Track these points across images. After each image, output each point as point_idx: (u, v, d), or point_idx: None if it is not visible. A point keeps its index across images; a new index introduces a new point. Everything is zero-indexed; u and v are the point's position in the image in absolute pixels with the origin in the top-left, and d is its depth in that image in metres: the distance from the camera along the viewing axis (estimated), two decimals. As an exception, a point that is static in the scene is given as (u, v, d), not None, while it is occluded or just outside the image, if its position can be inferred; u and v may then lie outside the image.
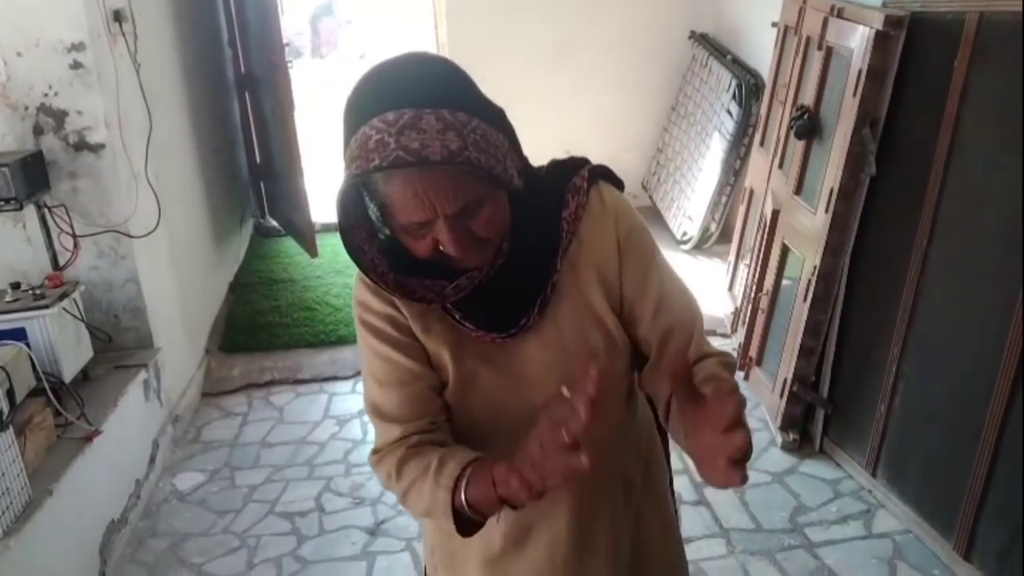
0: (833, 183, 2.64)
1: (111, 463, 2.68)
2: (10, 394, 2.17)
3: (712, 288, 4.09)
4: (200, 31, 4.49)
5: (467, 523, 0.97)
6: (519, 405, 1.04)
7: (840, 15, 2.71)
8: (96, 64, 2.82)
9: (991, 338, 2.12)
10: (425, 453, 1.03)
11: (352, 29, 16.66)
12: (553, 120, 5.12)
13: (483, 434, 1.07)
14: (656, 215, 4.99)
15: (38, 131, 2.84)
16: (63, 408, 2.57)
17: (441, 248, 0.95)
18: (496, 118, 0.97)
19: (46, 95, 2.81)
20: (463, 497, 0.95)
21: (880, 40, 2.44)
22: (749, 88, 4.02)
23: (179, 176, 3.80)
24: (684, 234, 4.58)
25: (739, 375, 3.43)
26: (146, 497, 2.91)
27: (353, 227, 1.00)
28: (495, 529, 1.12)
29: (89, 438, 2.56)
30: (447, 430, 1.09)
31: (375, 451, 1.10)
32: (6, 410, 2.13)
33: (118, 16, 3.01)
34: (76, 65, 2.79)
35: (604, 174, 1.11)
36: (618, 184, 1.12)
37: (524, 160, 1.04)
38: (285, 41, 4.37)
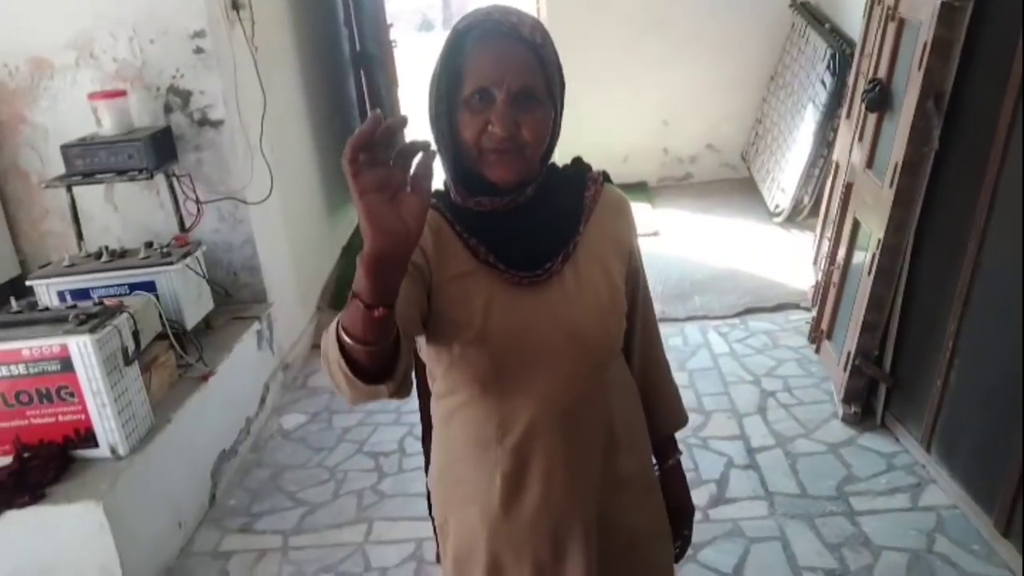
0: (898, 157, 2.64)
1: (224, 401, 3.08)
2: (136, 336, 2.56)
3: (798, 261, 4.10)
4: (317, 13, 4.84)
5: (360, 366, 0.92)
6: (534, 343, 1.15)
7: (915, -14, 2.68)
8: (215, 49, 3.19)
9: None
10: None
11: (480, 1, 16.95)
12: (652, 89, 5.19)
13: (501, 368, 1.15)
14: (752, 188, 4.98)
15: (168, 109, 3.25)
16: (184, 351, 2.97)
17: (490, 128, 1.06)
18: (562, 74, 1.15)
19: (174, 77, 3.21)
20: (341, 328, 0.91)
21: (946, 12, 2.42)
22: (844, 58, 3.95)
23: (293, 148, 4.16)
24: (777, 206, 4.57)
25: (807, 346, 3.46)
26: (255, 432, 3.31)
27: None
28: (495, 474, 1.20)
29: (205, 377, 2.95)
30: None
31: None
32: (132, 348, 2.52)
33: (236, 4, 3.36)
34: (198, 50, 3.17)
35: (609, 178, 1.29)
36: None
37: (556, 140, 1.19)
38: (417, 14, 4.66)
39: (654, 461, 1.39)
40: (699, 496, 2.64)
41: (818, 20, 4.46)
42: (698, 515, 2.56)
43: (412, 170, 0.83)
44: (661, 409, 1.39)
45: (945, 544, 2.36)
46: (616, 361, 1.27)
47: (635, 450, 1.30)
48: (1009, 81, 2.26)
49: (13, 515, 2.32)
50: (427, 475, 1.36)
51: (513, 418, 1.17)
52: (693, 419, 3.06)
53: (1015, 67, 2.23)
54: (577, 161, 1.27)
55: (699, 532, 2.47)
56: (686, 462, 2.80)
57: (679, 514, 1.42)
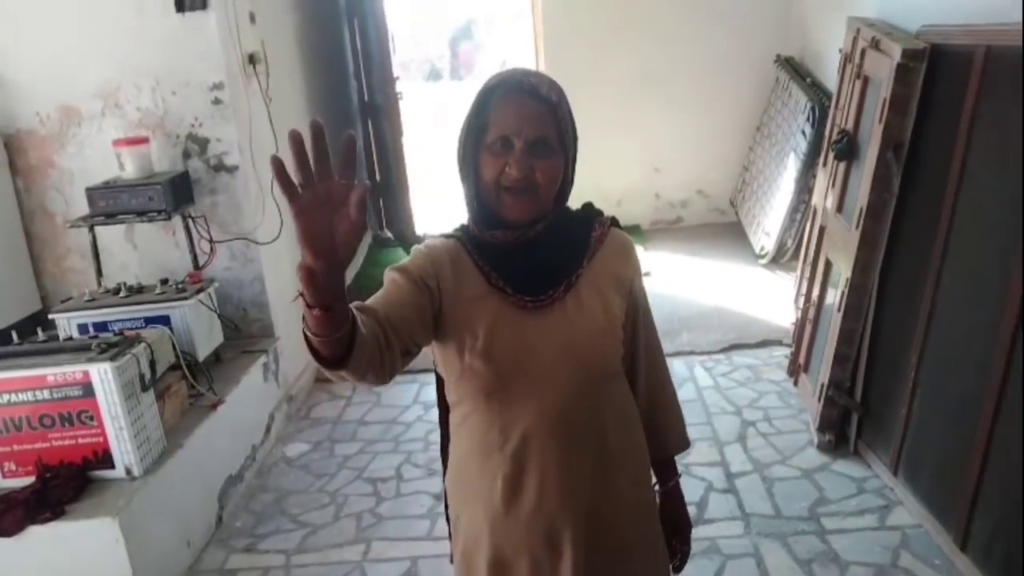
0: (863, 202, 2.85)
1: (232, 428, 3.25)
2: (152, 364, 2.75)
3: (781, 300, 4.29)
4: (329, 65, 5.13)
5: (318, 352, 1.06)
6: (533, 360, 1.30)
7: (876, 46, 2.91)
8: (232, 100, 3.44)
9: (987, 346, 2.30)
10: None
11: (486, 53, 17.40)
12: (645, 137, 5.45)
13: (504, 380, 1.30)
14: (740, 231, 5.19)
15: (186, 155, 3.49)
16: (195, 381, 3.15)
17: (507, 170, 1.25)
18: (575, 130, 1.35)
19: (192, 125, 3.45)
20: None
21: (901, 71, 2.65)
22: (823, 110, 4.19)
23: (302, 192, 4.39)
24: (762, 249, 4.78)
25: (787, 380, 3.63)
26: (260, 459, 3.47)
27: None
28: (496, 476, 1.34)
29: (214, 406, 3.13)
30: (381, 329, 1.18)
31: None
32: (149, 376, 2.71)
33: (252, 59, 3.62)
34: (216, 101, 3.42)
35: (618, 223, 1.45)
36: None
37: (572, 185, 1.38)
38: (426, 63, 4.93)
39: (654, 481, 1.52)
40: (680, 518, 2.79)
41: (800, 75, 4.72)
42: (678, 536, 2.71)
43: (352, 201, 0.91)
44: (663, 431, 1.51)
45: (908, 559, 2.50)
46: (615, 384, 1.40)
47: (628, 467, 1.41)
48: (958, 133, 2.47)
49: (35, 531, 2.48)
50: (444, 479, 1.51)
51: (513, 426, 1.32)
52: (677, 448, 3.22)
53: (963, 121, 2.45)
54: (588, 206, 1.44)
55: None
56: (668, 487, 2.97)
57: (677, 529, 1.56)
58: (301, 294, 1.00)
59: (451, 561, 1.50)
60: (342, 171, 0.94)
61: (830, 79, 4.42)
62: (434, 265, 1.34)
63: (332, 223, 0.93)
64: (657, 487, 1.54)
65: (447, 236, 1.39)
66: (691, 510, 2.81)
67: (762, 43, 5.27)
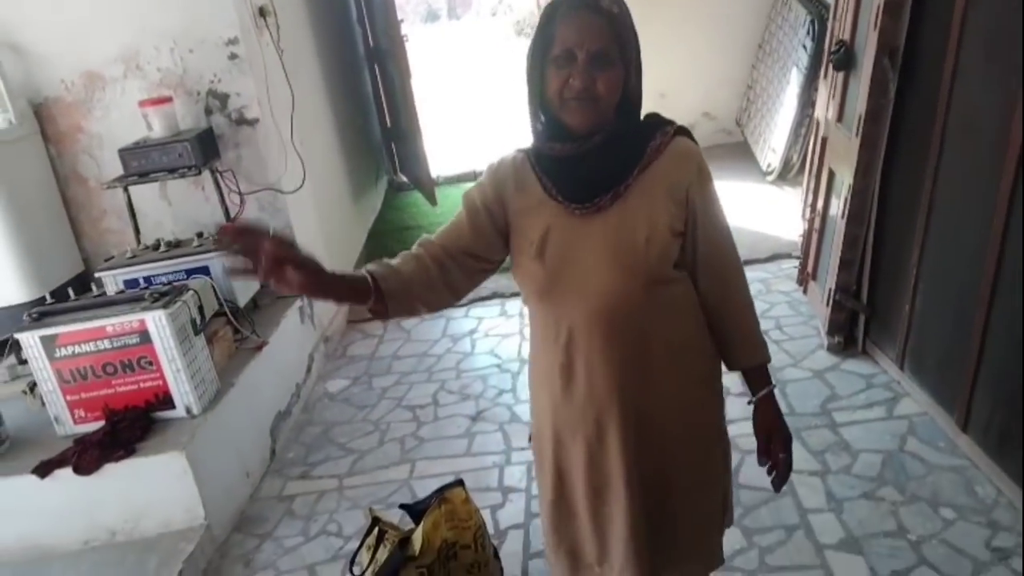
0: (861, 109, 2.96)
1: (276, 369, 3.46)
2: (201, 309, 2.95)
3: (789, 215, 4.42)
4: (333, 14, 5.21)
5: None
6: (579, 262, 1.42)
7: (869, -44, 2.99)
8: (248, 54, 3.56)
9: (982, 237, 2.44)
10: (415, 256, 1.48)
11: (483, -13, 17.16)
12: (649, 64, 5.45)
13: (553, 280, 1.44)
14: (746, 150, 5.29)
15: (208, 111, 3.62)
16: (239, 325, 3.36)
17: (571, 82, 1.33)
18: (638, 42, 1.41)
19: (212, 82, 3.58)
20: None
21: (894, -23, 2.73)
22: (822, 23, 4.25)
23: (320, 141, 4.53)
24: (769, 166, 4.88)
25: (797, 290, 3.79)
26: (304, 396, 3.70)
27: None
28: (554, 364, 1.49)
29: (259, 348, 3.34)
30: (443, 266, 1.47)
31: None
32: (199, 320, 2.91)
33: (263, 12, 3.73)
34: (233, 56, 3.54)
35: (688, 133, 1.48)
36: (694, 141, 1.51)
37: (640, 94, 1.43)
38: (422, 4, 5.02)
39: (746, 392, 1.63)
40: (701, 422, 3.00)
41: (798, -12, 4.76)
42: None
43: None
44: (736, 343, 1.55)
45: (915, 444, 2.70)
46: (665, 288, 1.45)
47: (676, 366, 1.48)
48: (949, 35, 2.57)
49: (111, 468, 2.70)
50: None
51: (563, 322, 1.46)
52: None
53: (954, 22, 2.55)
54: (652, 115, 1.47)
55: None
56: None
57: (773, 439, 1.61)
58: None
59: (529, 440, 1.71)
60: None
61: (829, -9, 4.48)
62: (496, 185, 1.49)
63: (283, 271, 1.23)
64: (751, 399, 1.62)
65: (518, 150, 1.52)
66: (711, 413, 3.03)
67: (761, -41, 5.29)
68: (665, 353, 1.47)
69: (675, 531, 1.57)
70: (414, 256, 1.48)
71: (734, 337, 1.55)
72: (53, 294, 3.23)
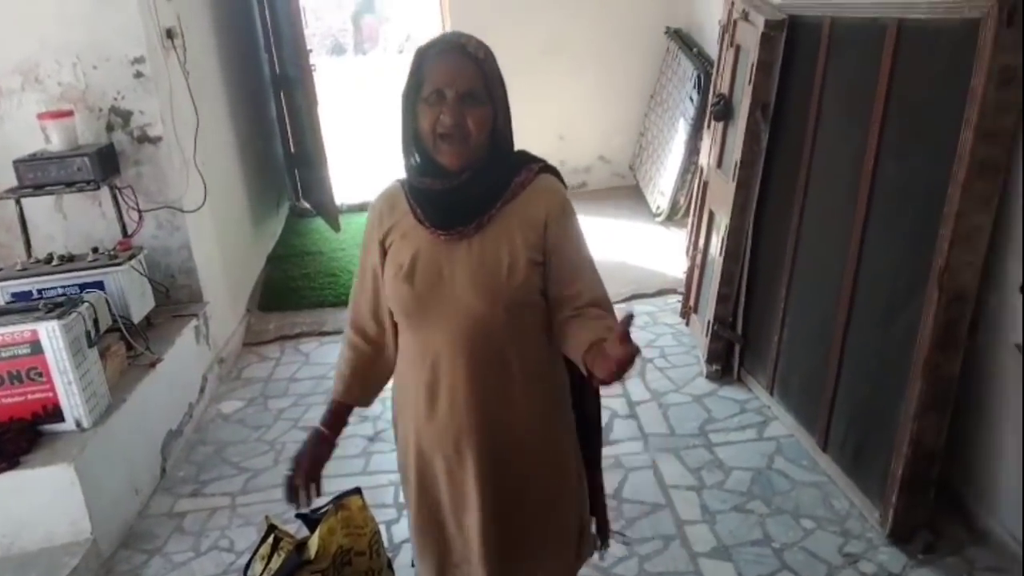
0: (737, 156, 3.26)
1: (169, 387, 3.43)
2: (96, 322, 2.92)
3: (675, 254, 4.72)
4: (240, 39, 5.24)
5: None
6: (444, 290, 1.50)
7: (746, 18, 3.31)
8: (153, 73, 3.57)
9: (839, 272, 2.73)
10: (354, 348, 1.70)
11: (391, 26, 17.34)
12: (550, 108, 5.78)
13: (421, 302, 1.52)
14: (638, 193, 5.61)
15: (110, 128, 3.60)
16: (133, 341, 3.32)
17: (441, 118, 1.43)
18: (503, 84, 1.52)
19: (115, 99, 3.57)
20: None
21: (765, 39, 3.05)
22: (707, 77, 4.60)
23: (222, 163, 4.54)
24: (658, 207, 5.20)
25: (680, 322, 4.05)
26: (197, 416, 3.66)
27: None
28: (421, 384, 1.57)
29: (152, 364, 3.30)
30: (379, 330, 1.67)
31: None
32: (93, 332, 2.87)
33: (170, 33, 3.75)
34: (138, 75, 3.54)
35: (554, 171, 1.59)
36: (562, 181, 1.61)
37: (511, 133, 1.54)
38: (328, 38, 5.11)
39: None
40: (589, 442, 3.18)
41: (687, 45, 5.14)
42: (587, 456, 3.09)
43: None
44: (585, 329, 1.45)
45: (782, 463, 2.95)
46: (522, 312, 1.52)
47: (532, 389, 1.58)
48: (813, 91, 2.89)
49: (-9, 481, 2.64)
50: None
51: (431, 341, 1.54)
52: (585, 384, 3.59)
53: (816, 80, 2.87)
54: (521, 153, 1.58)
55: (588, 468, 2.99)
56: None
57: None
58: None
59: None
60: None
61: (712, 48, 4.85)
62: (377, 223, 1.60)
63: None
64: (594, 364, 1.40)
65: (396, 180, 1.63)
66: (598, 433, 3.20)
67: (654, 15, 5.67)
68: (522, 375, 1.56)
69: (526, 542, 1.66)
70: (353, 348, 1.70)
71: (591, 325, 1.46)
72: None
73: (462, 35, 1.50)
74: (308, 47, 5.10)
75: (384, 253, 1.61)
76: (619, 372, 1.27)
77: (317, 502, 1.86)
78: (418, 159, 1.54)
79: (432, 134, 1.47)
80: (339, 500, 2.19)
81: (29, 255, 3.48)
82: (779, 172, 3.17)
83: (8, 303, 2.96)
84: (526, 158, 1.59)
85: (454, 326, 1.51)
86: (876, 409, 2.55)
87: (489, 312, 1.50)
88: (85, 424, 2.81)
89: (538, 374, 1.60)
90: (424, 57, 1.49)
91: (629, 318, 1.27)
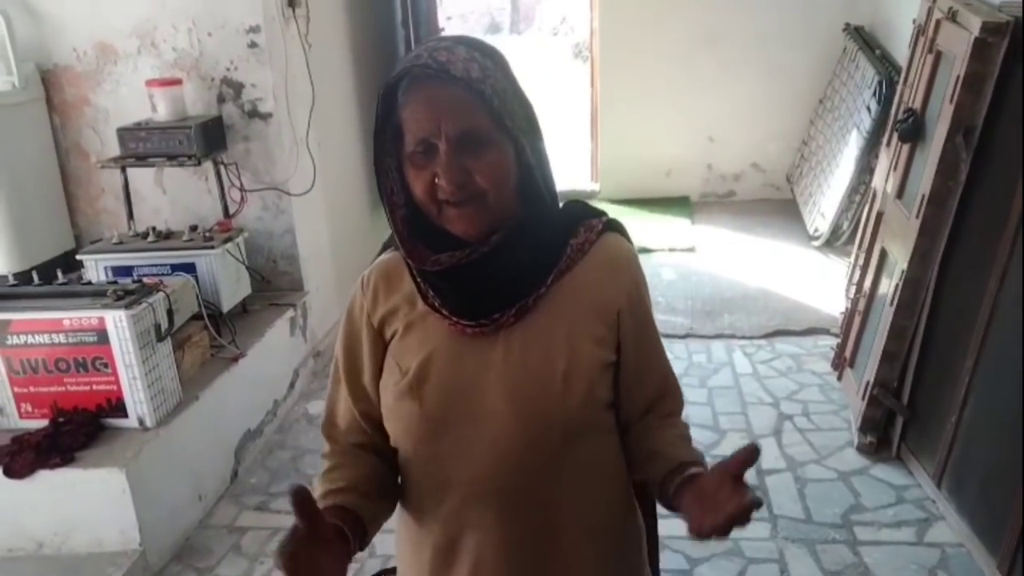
0: (925, 189, 2.63)
1: (253, 382, 3.20)
2: (170, 314, 2.69)
3: (832, 287, 4.07)
4: (372, 14, 4.97)
5: None
6: (469, 410, 1.05)
7: (953, 18, 2.66)
8: (269, 44, 3.33)
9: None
10: (337, 469, 1.15)
11: (546, 6, 17.02)
12: (700, 105, 5.22)
13: (434, 428, 1.07)
14: (794, 210, 4.96)
15: (220, 99, 3.40)
16: (218, 332, 3.10)
17: (437, 182, 0.99)
18: (523, 99, 1.05)
19: (228, 69, 3.36)
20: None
21: (979, 46, 2.41)
22: (891, 85, 3.92)
23: (340, 144, 4.28)
24: (816, 230, 4.55)
25: (831, 373, 3.44)
26: (281, 416, 3.43)
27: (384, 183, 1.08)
28: (427, 543, 1.12)
29: (235, 359, 3.08)
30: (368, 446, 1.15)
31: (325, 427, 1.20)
32: (165, 325, 2.65)
33: (292, 2, 3.49)
34: (252, 45, 3.31)
35: (620, 227, 1.15)
36: (629, 240, 1.16)
37: (549, 173, 1.09)
38: (486, 15, 4.78)
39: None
40: (703, 512, 2.67)
41: (869, 46, 4.44)
42: (699, 531, 2.59)
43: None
44: (663, 457, 1.11)
45: (945, 581, 2.35)
46: (584, 443, 1.09)
47: (591, 553, 1.13)
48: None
49: (44, 475, 2.47)
50: None
51: (447, 487, 1.08)
52: (706, 437, 3.08)
53: (1048, 106, 2.22)
54: (574, 205, 1.14)
55: (698, 550, 2.50)
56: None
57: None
58: None
59: None
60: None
61: (901, 52, 4.13)
62: (371, 303, 1.13)
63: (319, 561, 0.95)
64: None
65: (390, 250, 1.15)
66: (715, 505, 2.69)
67: (832, 9, 4.97)
68: (579, 534, 1.11)
69: None
70: (338, 464, 1.16)
71: (669, 452, 1.10)
72: (39, 270, 3.03)
73: (440, 47, 1.01)
74: (441, 26, 4.77)
75: (382, 347, 1.12)
76: (727, 529, 0.89)
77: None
78: (416, 230, 1.07)
79: (431, 201, 1.02)
80: (384, 576, 1.84)
81: (131, 227, 3.34)
82: (979, 216, 2.52)
83: (84, 283, 2.78)
84: (581, 210, 1.13)
85: (484, 467, 1.05)
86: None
87: (535, 444, 1.04)
88: (148, 423, 2.60)
89: (602, 531, 1.15)
90: (394, 93, 1.02)
91: (753, 454, 0.93)
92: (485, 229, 1.03)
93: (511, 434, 1.04)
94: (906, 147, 2.92)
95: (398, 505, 1.19)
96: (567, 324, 1.06)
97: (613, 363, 1.10)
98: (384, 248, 1.18)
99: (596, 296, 1.09)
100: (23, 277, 2.99)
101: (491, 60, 1.02)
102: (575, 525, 1.11)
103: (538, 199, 1.07)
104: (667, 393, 1.17)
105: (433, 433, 1.07)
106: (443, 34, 1.02)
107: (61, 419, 2.58)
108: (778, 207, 5.32)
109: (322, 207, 3.88)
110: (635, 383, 1.13)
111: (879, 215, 3.10)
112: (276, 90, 3.39)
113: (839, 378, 3.33)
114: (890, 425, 2.93)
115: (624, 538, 1.19)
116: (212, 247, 3.11)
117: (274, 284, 3.65)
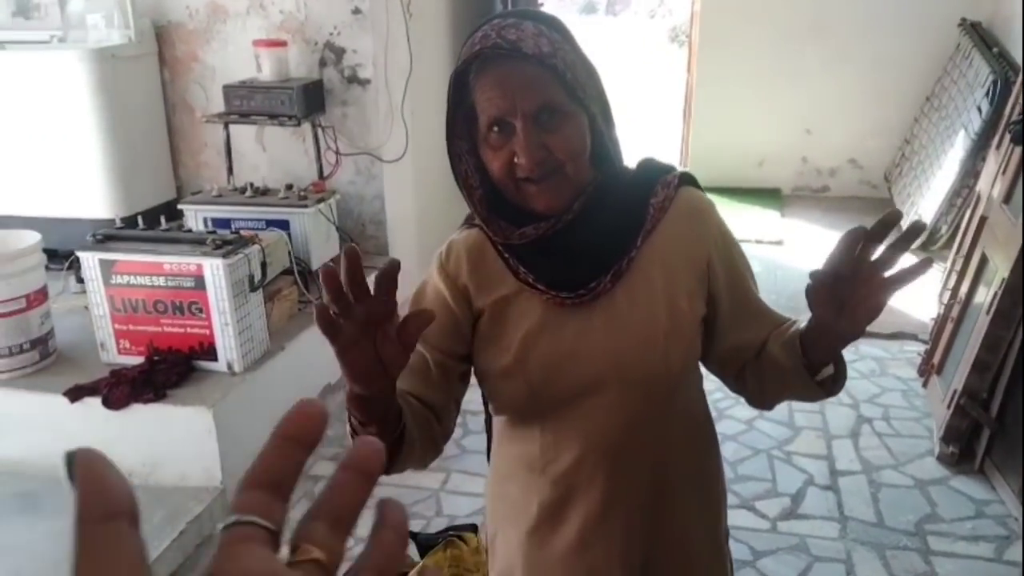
0: (1038, 195, 2.52)
1: (335, 339, 3.29)
2: (263, 266, 2.79)
3: (924, 291, 3.93)
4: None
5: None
6: (577, 375, 1.07)
7: (1087, 17, 2.52)
8: (372, 12, 3.39)
9: None
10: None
11: (645, -12, 16.78)
12: (798, 97, 5.08)
13: (540, 399, 1.09)
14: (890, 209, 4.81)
15: (322, 63, 3.48)
16: (306, 288, 3.20)
17: (517, 160, 1.00)
18: (590, 68, 1.06)
19: (331, 34, 3.44)
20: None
21: (1113, 49, 2.28)
22: (1006, 85, 3.74)
23: (433, 115, 4.32)
24: (911, 232, 4.39)
25: (916, 380, 3.33)
26: (359, 374, 3.51)
27: (460, 163, 1.08)
28: (533, 501, 1.14)
29: (320, 315, 3.17)
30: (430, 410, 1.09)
31: None
32: (259, 276, 2.75)
33: (397, -29, 3.55)
34: (356, 11, 3.38)
35: (692, 180, 1.15)
36: (699, 188, 1.17)
37: (616, 137, 1.09)
38: None
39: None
40: (770, 508, 2.64)
41: (986, 43, 4.23)
42: (766, 525, 2.56)
43: (401, 321, 0.85)
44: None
45: (1022, 602, 2.27)
46: (681, 393, 1.13)
47: (695, 501, 1.18)
48: None
49: (138, 408, 2.60)
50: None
51: (556, 450, 1.11)
52: (781, 433, 3.03)
53: None
54: (646, 163, 1.14)
55: (764, 542, 2.48)
56: (764, 473, 2.81)
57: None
58: (351, 417, 0.95)
59: None
60: (402, 332, 0.86)
61: (1020, 51, 3.94)
62: (468, 273, 1.11)
63: (378, 348, 0.86)
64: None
65: (470, 225, 1.14)
66: (785, 501, 2.68)
67: (948, 2, 4.76)
68: (684, 488, 1.15)
69: None
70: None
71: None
72: (143, 216, 3.18)
73: (508, 25, 1.00)
74: (540, 1, 4.75)
75: (468, 308, 1.11)
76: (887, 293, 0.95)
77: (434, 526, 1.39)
78: (498, 207, 1.08)
79: (509, 180, 1.03)
80: (453, 533, 1.89)
81: (229, 181, 3.47)
82: (1096, 225, 2.41)
83: (185, 231, 2.91)
84: (654, 168, 1.13)
85: (594, 426, 1.08)
86: None
87: (643, 402, 1.08)
88: (236, 368, 2.71)
89: (702, 481, 1.19)
90: (465, 76, 1.02)
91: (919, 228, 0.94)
92: (568, 201, 1.05)
93: (619, 399, 1.07)
94: (1018, 150, 2.79)
95: (493, 462, 1.24)
96: (663, 283, 1.08)
97: (704, 316, 1.11)
98: (464, 225, 1.18)
99: (685, 250, 1.10)
100: (128, 221, 3.14)
101: (559, 33, 1.03)
102: (679, 479, 1.14)
103: (609, 161, 1.08)
104: (777, 322, 1.13)
105: (542, 405, 1.09)
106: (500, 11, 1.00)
107: (156, 358, 2.71)
108: (873, 206, 5.14)
109: (411, 176, 3.94)
110: (737, 326, 1.12)
111: (982, 220, 2.98)
112: (376, 57, 3.45)
113: (924, 385, 3.23)
114: (975, 437, 2.83)
115: (716, 489, 1.23)
116: (306, 206, 3.20)
117: (361, 247, 3.71)
